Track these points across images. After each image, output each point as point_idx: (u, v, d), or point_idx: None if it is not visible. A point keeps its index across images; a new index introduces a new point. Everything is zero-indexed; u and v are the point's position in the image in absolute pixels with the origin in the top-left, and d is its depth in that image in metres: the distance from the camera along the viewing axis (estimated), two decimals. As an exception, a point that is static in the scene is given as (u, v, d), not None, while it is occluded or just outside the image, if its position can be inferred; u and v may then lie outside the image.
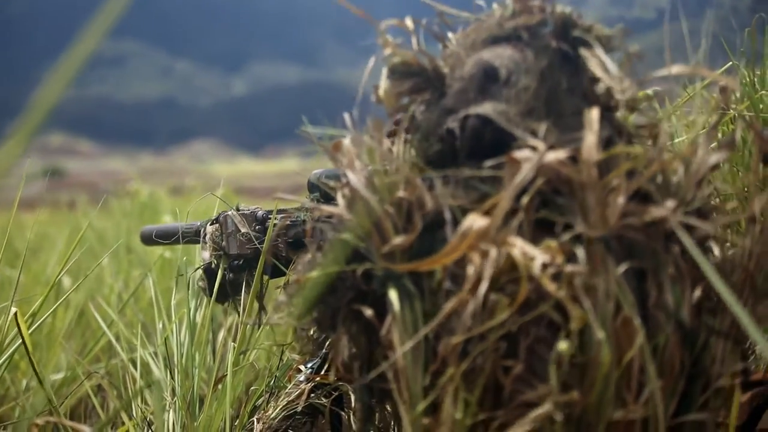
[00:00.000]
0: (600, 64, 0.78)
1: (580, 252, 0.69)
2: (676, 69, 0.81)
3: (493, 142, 0.77)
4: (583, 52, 0.79)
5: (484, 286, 0.69)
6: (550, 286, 0.66)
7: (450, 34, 0.90)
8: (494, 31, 0.84)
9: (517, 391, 0.70)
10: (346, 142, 0.86)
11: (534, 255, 0.68)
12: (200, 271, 1.48)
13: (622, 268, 0.69)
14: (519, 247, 0.68)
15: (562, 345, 0.67)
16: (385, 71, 0.86)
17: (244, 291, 1.45)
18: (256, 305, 1.40)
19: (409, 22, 0.88)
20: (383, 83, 0.86)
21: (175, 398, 1.45)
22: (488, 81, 0.80)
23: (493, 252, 0.69)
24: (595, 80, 0.80)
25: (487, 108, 0.78)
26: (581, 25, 0.81)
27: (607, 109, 0.79)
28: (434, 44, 0.90)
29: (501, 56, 0.81)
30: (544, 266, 0.68)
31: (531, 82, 0.79)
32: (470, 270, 0.70)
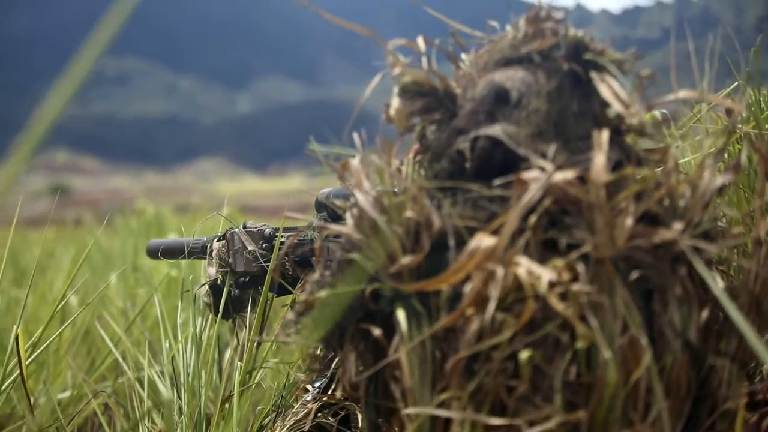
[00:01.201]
0: (610, 89, 0.78)
1: (587, 271, 0.69)
2: (683, 93, 0.82)
3: (502, 163, 0.78)
4: (594, 76, 0.80)
5: (492, 306, 0.69)
6: (558, 305, 0.67)
7: (463, 55, 0.90)
8: (507, 53, 0.85)
9: (522, 411, 0.70)
10: (355, 161, 0.86)
11: (540, 274, 0.68)
12: (206, 287, 1.48)
13: (626, 283, 0.69)
14: (525, 266, 0.69)
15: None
16: (396, 90, 0.87)
17: (250, 308, 1.45)
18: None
19: (420, 42, 0.89)
20: (394, 102, 0.86)
21: (182, 417, 1.45)
22: (499, 103, 0.81)
23: (500, 271, 0.69)
24: (606, 104, 0.80)
25: (497, 130, 0.78)
26: (593, 48, 0.81)
27: (617, 133, 0.80)
28: (445, 63, 0.90)
29: (513, 78, 0.81)
30: (551, 285, 0.68)
31: (542, 104, 0.79)
32: (467, 288, 0.71)
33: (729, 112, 1.03)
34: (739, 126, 1.26)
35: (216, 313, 1.46)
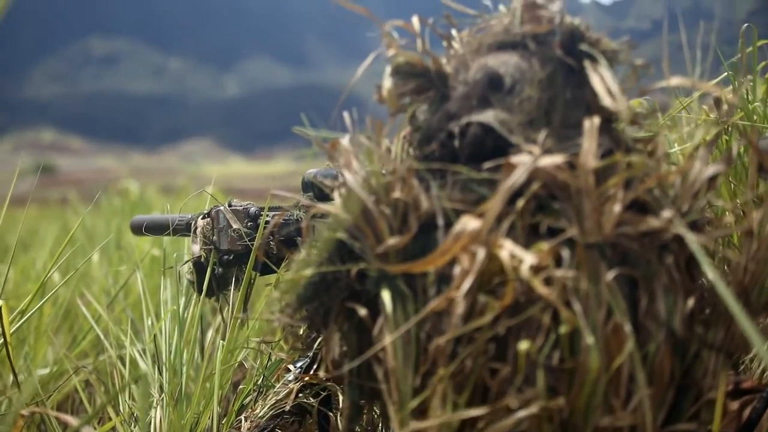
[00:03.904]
0: (602, 83, 0.78)
1: (573, 257, 0.69)
2: (675, 81, 0.82)
3: (493, 149, 0.77)
4: (588, 65, 0.80)
5: (467, 283, 0.69)
6: (541, 289, 0.66)
7: (455, 33, 0.90)
8: (501, 37, 0.84)
9: (504, 394, 0.70)
10: (344, 141, 0.86)
11: (522, 257, 0.68)
12: (189, 265, 1.48)
13: (614, 274, 0.69)
14: (507, 248, 0.69)
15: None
16: (388, 70, 0.86)
17: (233, 287, 1.45)
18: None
19: (415, 23, 0.88)
20: (386, 83, 0.86)
21: (163, 395, 1.45)
22: (492, 88, 0.80)
23: (481, 252, 0.69)
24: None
25: (489, 116, 0.78)
26: (588, 38, 0.81)
27: (608, 122, 0.80)
28: (437, 44, 0.90)
29: (506, 64, 0.81)
30: (534, 269, 0.68)
31: (534, 92, 0.79)
32: (457, 270, 0.71)
33: (718, 102, 1.03)
34: (728, 118, 1.26)
35: (199, 291, 1.46)
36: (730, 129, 1.26)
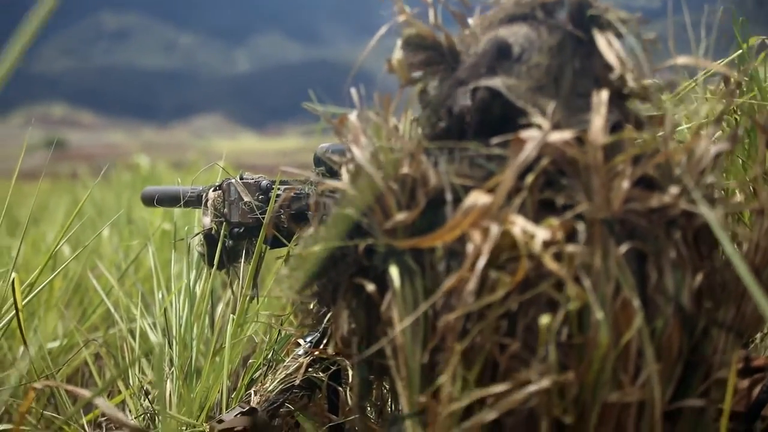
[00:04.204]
0: (608, 45, 0.78)
1: (582, 232, 0.69)
2: (682, 60, 0.81)
3: (501, 116, 0.77)
4: (596, 32, 0.79)
5: (482, 261, 0.69)
6: (551, 264, 0.66)
7: (470, 20, 0.90)
8: (511, 11, 0.84)
9: (513, 369, 0.70)
10: (352, 117, 0.86)
11: (534, 233, 0.68)
12: (199, 237, 1.48)
13: (624, 248, 0.69)
14: (519, 224, 0.68)
15: (545, 319, 0.67)
16: (399, 42, 0.86)
17: (244, 260, 1.46)
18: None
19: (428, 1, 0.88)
20: (397, 53, 0.86)
21: (173, 368, 1.45)
22: (501, 57, 0.80)
23: (494, 229, 0.69)
24: (609, 67, 0.80)
25: (497, 81, 0.78)
26: (597, 7, 0.81)
27: (618, 96, 0.79)
28: (449, 21, 0.89)
29: (515, 34, 0.81)
30: (545, 244, 0.68)
31: (543, 59, 0.79)
32: (470, 247, 0.70)
33: (726, 80, 1.03)
34: (736, 96, 1.25)
35: (209, 264, 1.46)
36: (740, 108, 1.25)
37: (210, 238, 1.46)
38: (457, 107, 0.81)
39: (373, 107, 0.86)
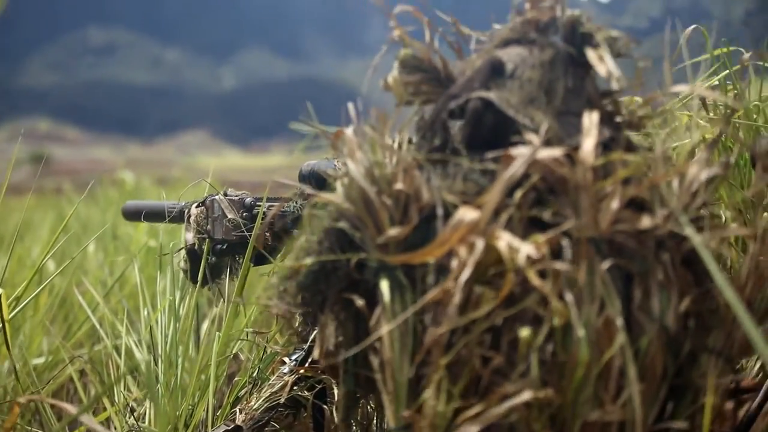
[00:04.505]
0: (599, 57, 0.79)
1: (568, 249, 0.70)
2: (678, 88, 0.83)
3: (493, 129, 0.78)
4: (588, 50, 0.80)
5: (465, 275, 0.69)
6: (535, 280, 0.67)
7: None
8: (506, 36, 0.85)
9: (495, 383, 0.71)
10: (348, 131, 0.86)
11: (519, 247, 0.68)
12: (183, 253, 1.48)
13: (608, 265, 0.70)
14: (505, 239, 0.69)
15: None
16: (395, 64, 0.87)
17: (228, 277, 1.46)
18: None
19: (424, 20, 0.89)
20: (394, 72, 0.87)
21: (159, 386, 1.45)
22: (495, 74, 0.82)
23: (479, 243, 0.70)
24: (603, 94, 0.81)
25: (489, 93, 0.79)
26: (588, 28, 0.82)
27: (609, 115, 0.81)
28: (446, 49, 0.90)
29: (509, 53, 0.83)
30: (531, 260, 0.68)
31: (535, 74, 0.80)
32: (454, 262, 0.71)
33: (713, 105, 1.04)
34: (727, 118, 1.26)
35: (192, 280, 1.46)
36: (729, 128, 1.26)
37: (193, 254, 1.46)
38: (448, 118, 0.82)
39: (368, 123, 0.86)
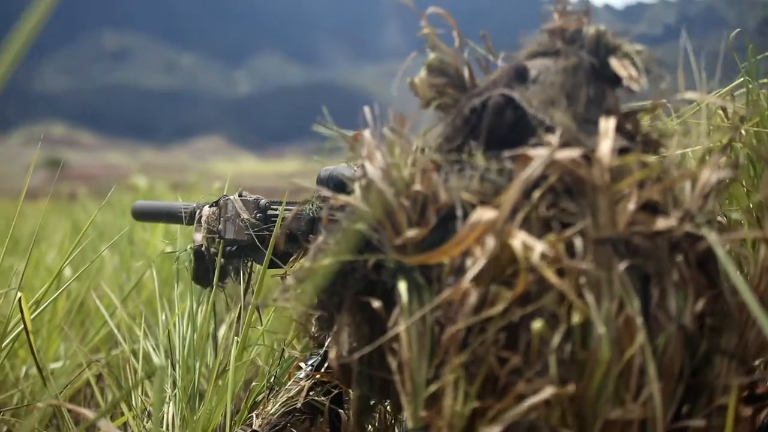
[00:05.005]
0: (622, 64, 0.80)
1: (587, 251, 0.70)
2: (689, 95, 0.83)
3: (512, 126, 0.79)
4: (612, 60, 0.81)
5: (475, 270, 0.70)
6: (552, 277, 0.67)
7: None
8: (533, 50, 0.86)
9: (513, 383, 0.71)
10: (366, 133, 0.87)
11: (533, 246, 0.69)
12: (190, 254, 1.48)
13: (625, 265, 0.70)
14: (519, 237, 0.69)
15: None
16: (423, 67, 0.88)
17: (233, 278, 1.46)
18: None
19: (454, 26, 0.90)
20: (421, 73, 0.88)
21: (176, 390, 1.45)
22: (518, 78, 0.82)
23: (490, 241, 0.70)
24: (626, 114, 0.82)
25: (512, 92, 0.80)
26: (613, 42, 0.83)
27: (629, 134, 0.81)
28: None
29: (534, 63, 0.84)
30: (546, 258, 0.69)
31: (558, 78, 0.80)
32: (469, 261, 0.71)
33: (725, 111, 1.04)
34: (739, 125, 1.26)
35: (196, 280, 1.46)
36: (742, 136, 1.26)
37: (199, 255, 1.46)
38: (469, 110, 0.83)
39: (386, 125, 0.87)
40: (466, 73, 0.89)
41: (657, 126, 0.84)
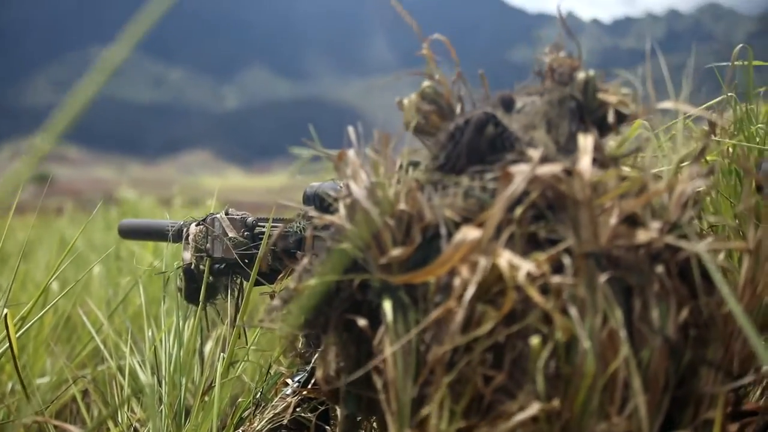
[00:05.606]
0: (611, 97, 0.81)
1: (569, 265, 0.71)
2: (664, 104, 0.84)
3: (492, 142, 0.80)
4: (600, 95, 0.83)
5: (469, 293, 0.70)
6: (537, 297, 0.68)
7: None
8: (527, 91, 0.88)
9: (498, 402, 0.71)
10: (351, 153, 0.87)
11: (520, 265, 0.69)
12: (179, 272, 1.48)
13: (606, 278, 0.70)
14: (505, 257, 0.70)
15: (535, 340, 0.68)
16: (416, 93, 0.89)
17: (222, 296, 1.46)
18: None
19: (455, 60, 0.91)
20: (412, 96, 0.89)
21: (162, 406, 1.45)
22: (504, 106, 0.83)
23: (482, 262, 0.70)
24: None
25: (495, 110, 0.81)
26: (602, 86, 0.84)
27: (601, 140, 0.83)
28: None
29: (522, 98, 0.85)
30: (531, 277, 0.69)
31: (541, 107, 0.82)
32: (457, 281, 0.72)
33: (711, 124, 1.05)
34: (720, 139, 1.27)
35: (186, 298, 1.46)
36: (727, 151, 1.27)
37: (189, 273, 1.46)
38: (454, 127, 0.83)
39: (370, 145, 0.87)
40: (458, 108, 0.90)
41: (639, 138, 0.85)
